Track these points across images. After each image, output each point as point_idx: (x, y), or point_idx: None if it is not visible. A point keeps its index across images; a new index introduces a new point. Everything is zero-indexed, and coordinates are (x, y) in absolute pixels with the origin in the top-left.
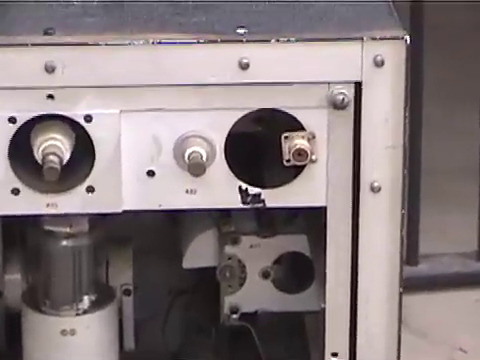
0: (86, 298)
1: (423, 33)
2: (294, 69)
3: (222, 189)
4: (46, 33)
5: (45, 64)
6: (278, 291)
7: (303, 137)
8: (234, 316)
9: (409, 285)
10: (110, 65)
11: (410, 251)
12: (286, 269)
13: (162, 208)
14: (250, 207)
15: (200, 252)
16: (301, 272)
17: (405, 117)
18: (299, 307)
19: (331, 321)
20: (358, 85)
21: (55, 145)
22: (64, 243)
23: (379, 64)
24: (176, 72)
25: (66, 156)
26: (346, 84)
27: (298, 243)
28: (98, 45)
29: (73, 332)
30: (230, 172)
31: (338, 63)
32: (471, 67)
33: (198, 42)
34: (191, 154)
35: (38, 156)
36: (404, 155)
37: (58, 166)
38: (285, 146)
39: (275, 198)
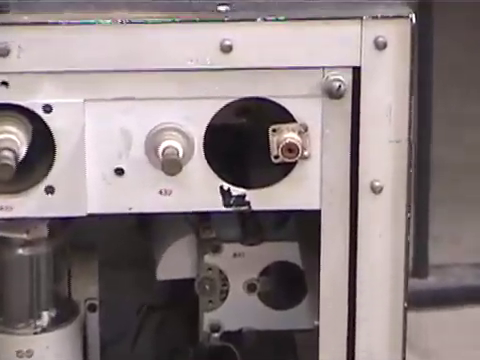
0: (45, 314)
1: (432, 12)
2: (283, 52)
3: (201, 190)
4: None
5: None
6: (265, 306)
7: (293, 130)
8: (215, 335)
9: (416, 300)
10: (73, 48)
11: (417, 261)
12: (274, 281)
13: (132, 211)
14: (233, 210)
15: (176, 262)
16: (291, 285)
17: (411, 107)
18: (289, 325)
19: (326, 341)
20: (357, 70)
21: (9, 139)
22: (20, 251)
23: (381, 46)
24: (148, 56)
25: (22, 152)
26: (343, 69)
27: (288, 251)
28: (59, 25)
29: (30, 353)
30: (210, 170)
31: (334, 46)
32: None
33: (173, 21)
34: (165, 150)
35: None
36: (409, 150)
37: (13, 163)
38: (273, 140)
39: (262, 200)
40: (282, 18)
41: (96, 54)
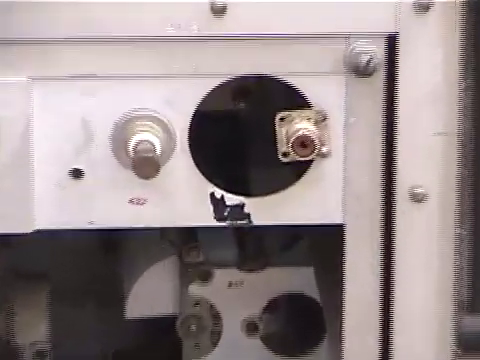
0: None
1: None
2: (294, 15)
3: (185, 198)
4: None
5: None
6: (270, 352)
7: (308, 119)
8: None
9: (471, 343)
10: (15, 12)
11: (474, 292)
12: (282, 320)
13: (94, 226)
14: (228, 225)
15: (151, 294)
16: (305, 324)
17: (464, 89)
18: None
19: None
20: (392, 40)
21: None
22: None
23: (423, 8)
24: (114, 20)
25: None
26: (374, 38)
27: (300, 280)
28: None
29: None
30: (197, 172)
31: (361, 7)
32: None
33: None
34: (138, 145)
35: None
36: (462, 146)
37: None
38: (281, 132)
39: (266, 212)
40: None
41: (45, 19)
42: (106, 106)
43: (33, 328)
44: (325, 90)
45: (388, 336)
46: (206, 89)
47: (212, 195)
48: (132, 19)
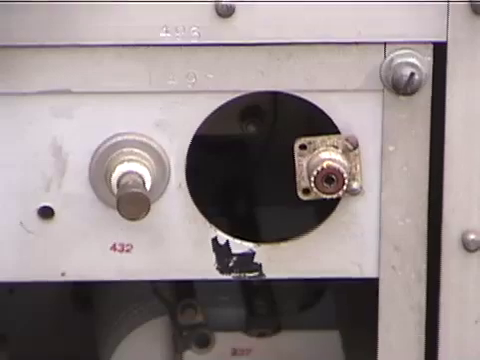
0: None
1: None
2: (319, 18)
3: (181, 244)
4: None
5: None
6: None
7: (335, 146)
8: None
9: None
10: None
11: None
12: None
13: (66, 279)
14: (234, 279)
15: None
16: None
17: None
18: None
19: None
20: (441, 49)
21: None
22: None
23: (479, 11)
24: (93, 22)
25: None
26: (418, 47)
27: (322, 347)
28: None
29: None
30: (196, 211)
31: (402, 10)
32: None
33: None
34: (123, 178)
35: None
36: None
37: None
38: (302, 164)
39: (280, 263)
40: None
41: (8, 20)
42: (83, 129)
43: None
44: (356, 111)
45: None
46: (208, 109)
47: (214, 241)
48: (117, 22)
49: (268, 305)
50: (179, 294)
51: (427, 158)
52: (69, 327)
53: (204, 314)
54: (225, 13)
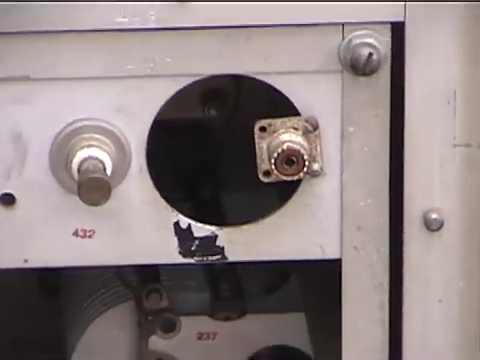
0: None
1: None
2: (275, 0)
3: (143, 228)
4: None
5: None
6: None
7: (295, 128)
8: None
9: None
10: None
11: None
12: None
13: (29, 265)
14: (197, 263)
15: (101, 349)
16: None
17: None
18: None
19: None
20: (398, 28)
21: None
22: None
23: None
24: (53, 9)
25: None
26: (376, 26)
27: (288, 329)
28: None
29: None
30: (157, 196)
31: None
32: None
33: None
34: (83, 163)
35: None
36: None
37: None
38: (262, 146)
39: (243, 245)
40: None
41: None
42: (42, 115)
43: None
44: (316, 92)
45: None
46: (167, 93)
47: (176, 225)
48: (74, 8)
49: (233, 289)
50: (144, 279)
51: (387, 138)
52: (36, 315)
53: (169, 299)
54: None
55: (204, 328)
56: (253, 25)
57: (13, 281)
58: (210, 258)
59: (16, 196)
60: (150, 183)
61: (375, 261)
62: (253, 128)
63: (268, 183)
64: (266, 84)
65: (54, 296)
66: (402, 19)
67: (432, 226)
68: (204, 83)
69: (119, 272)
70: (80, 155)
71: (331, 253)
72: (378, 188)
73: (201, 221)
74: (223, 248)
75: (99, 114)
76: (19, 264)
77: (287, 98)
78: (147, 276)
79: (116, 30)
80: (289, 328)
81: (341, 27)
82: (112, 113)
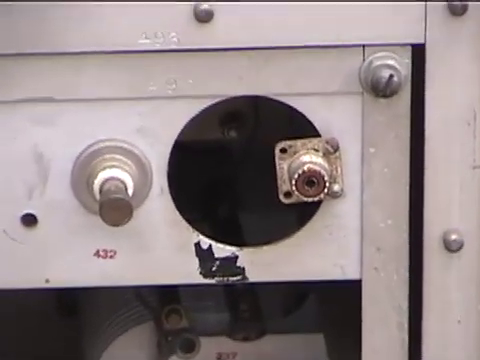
0: None
1: None
2: (296, 23)
3: (164, 249)
4: None
5: None
6: None
7: (316, 149)
8: None
9: None
10: None
11: None
12: None
13: (50, 286)
14: (217, 283)
15: None
16: None
17: None
18: None
19: None
20: (419, 51)
21: None
22: None
23: (458, 11)
24: (75, 30)
25: None
26: (397, 48)
27: (306, 350)
28: None
29: None
30: (178, 216)
31: (381, 12)
32: None
33: None
34: (105, 184)
35: None
36: None
37: None
38: (283, 167)
39: (263, 266)
40: None
41: None
42: (64, 136)
43: None
44: (336, 114)
45: None
46: (188, 114)
47: (197, 245)
48: (97, 30)
49: (252, 309)
50: (164, 300)
51: (407, 159)
52: (54, 336)
53: (189, 319)
54: (204, 18)
55: (223, 348)
56: (274, 47)
57: (31, 301)
58: (231, 279)
59: (38, 216)
60: (171, 204)
61: (395, 282)
62: (273, 149)
63: (288, 204)
64: (286, 105)
65: (72, 316)
66: (422, 41)
67: (451, 247)
68: (225, 104)
69: (139, 292)
70: (102, 176)
71: (351, 274)
72: (398, 209)
73: (222, 242)
74: (244, 269)
75: (121, 135)
76: (40, 284)
77: (308, 119)
78: (167, 296)
79: (138, 51)
80: (308, 349)
81: (362, 49)
82: (134, 134)
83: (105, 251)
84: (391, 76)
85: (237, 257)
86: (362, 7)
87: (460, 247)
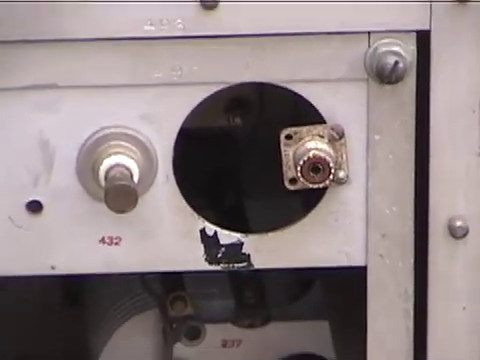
0: None
1: None
2: (302, 10)
3: (169, 236)
4: None
5: None
6: None
7: (321, 136)
8: None
9: None
10: None
11: None
12: None
13: (56, 272)
14: (222, 270)
15: (126, 354)
16: None
17: None
18: None
19: None
20: (424, 37)
21: None
22: None
23: None
24: (79, 18)
25: None
26: (402, 35)
27: (311, 337)
28: None
29: None
30: (184, 203)
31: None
32: None
33: None
34: (110, 170)
35: None
36: None
37: None
38: (288, 154)
39: (269, 252)
40: None
41: None
42: (70, 123)
43: None
44: (341, 100)
45: None
46: (194, 101)
47: (203, 232)
48: (102, 16)
49: (257, 296)
50: (169, 286)
51: (413, 146)
52: (59, 323)
53: (194, 306)
54: (210, 5)
55: (228, 335)
56: (280, 33)
57: (35, 288)
58: (236, 265)
59: (43, 203)
60: (176, 190)
61: (400, 269)
62: (278, 136)
63: (294, 191)
64: (292, 92)
65: (77, 305)
66: (428, 28)
67: (457, 233)
68: (230, 91)
69: (144, 279)
70: (107, 162)
71: (356, 261)
72: (403, 196)
73: (227, 228)
74: (249, 255)
75: (126, 122)
76: (46, 271)
77: (313, 106)
78: (172, 283)
79: (144, 38)
80: (313, 335)
81: (367, 35)
82: (139, 121)
83: (110, 238)
84: (396, 62)
85: (242, 244)
86: None
87: (465, 233)
